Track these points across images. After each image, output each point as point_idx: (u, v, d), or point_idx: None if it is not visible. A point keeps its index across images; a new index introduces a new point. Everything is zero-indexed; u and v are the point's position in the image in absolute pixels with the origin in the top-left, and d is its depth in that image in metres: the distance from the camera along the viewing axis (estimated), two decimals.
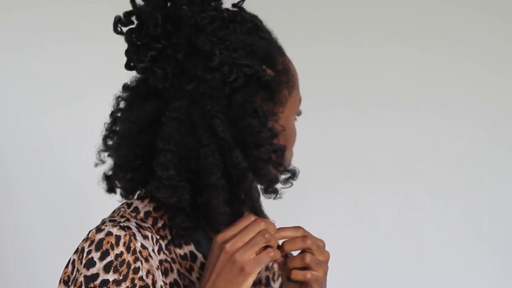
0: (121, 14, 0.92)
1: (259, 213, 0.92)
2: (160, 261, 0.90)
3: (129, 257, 0.84)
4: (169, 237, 0.94)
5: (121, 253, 0.84)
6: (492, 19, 1.80)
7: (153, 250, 0.88)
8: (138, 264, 0.85)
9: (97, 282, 0.83)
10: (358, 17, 1.85)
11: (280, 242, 0.92)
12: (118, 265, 0.83)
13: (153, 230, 0.92)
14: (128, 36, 0.91)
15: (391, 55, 1.83)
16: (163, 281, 0.89)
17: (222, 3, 0.94)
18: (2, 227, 1.63)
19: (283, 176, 0.95)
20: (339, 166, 1.84)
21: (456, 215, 1.82)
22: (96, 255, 0.84)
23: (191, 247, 0.95)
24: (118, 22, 0.92)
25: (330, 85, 1.84)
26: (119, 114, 0.99)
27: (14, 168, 1.64)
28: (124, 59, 0.93)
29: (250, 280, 0.85)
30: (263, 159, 0.90)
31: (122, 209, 0.94)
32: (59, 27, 1.66)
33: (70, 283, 0.85)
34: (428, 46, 1.82)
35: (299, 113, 1.02)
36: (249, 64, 0.90)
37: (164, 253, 0.91)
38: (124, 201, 0.98)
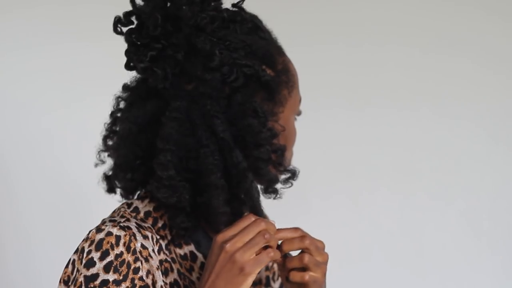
0: (121, 14, 0.92)
1: (259, 213, 0.93)
2: (160, 261, 0.90)
3: (129, 257, 0.84)
4: (169, 237, 0.94)
5: (121, 253, 0.84)
6: (492, 19, 1.80)
7: (153, 250, 0.88)
8: (138, 264, 0.85)
9: (97, 282, 0.83)
10: (358, 17, 1.85)
11: (279, 243, 0.92)
12: (118, 265, 0.83)
13: (153, 230, 0.92)
14: (128, 36, 0.91)
15: (391, 55, 1.83)
16: (163, 281, 0.89)
17: (222, 3, 0.94)
18: (2, 227, 1.63)
19: (283, 176, 0.95)
20: (339, 166, 1.84)
21: (456, 215, 1.82)
22: (96, 255, 0.84)
23: (191, 247, 0.95)
24: (118, 22, 0.92)
25: (330, 85, 1.84)
26: (119, 114, 0.99)
27: (14, 168, 1.64)
28: (124, 59, 0.93)
29: (250, 280, 0.85)
30: (263, 159, 0.90)
31: (122, 209, 0.94)
32: (59, 27, 1.66)
33: (70, 283, 0.85)
34: (428, 46, 1.82)
35: (299, 113, 1.02)
36: (249, 64, 0.90)
37: (164, 253, 0.91)
38: (124, 201, 0.98)
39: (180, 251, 0.94)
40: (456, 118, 1.81)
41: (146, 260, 0.86)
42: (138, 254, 0.85)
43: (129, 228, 0.86)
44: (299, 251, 0.93)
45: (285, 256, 0.93)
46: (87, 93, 1.65)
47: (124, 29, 0.92)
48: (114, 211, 0.96)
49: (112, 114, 1.00)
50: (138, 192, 0.99)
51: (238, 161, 0.89)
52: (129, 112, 0.96)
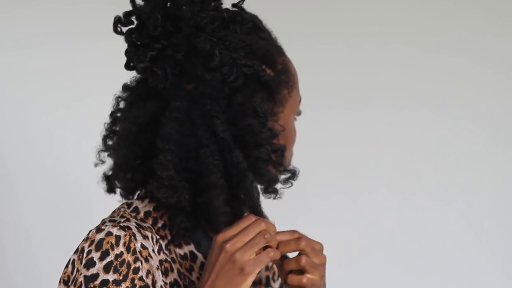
0: (121, 14, 0.92)
1: (259, 213, 0.93)
2: (160, 261, 0.90)
3: (129, 257, 0.84)
4: (169, 237, 0.94)
5: (121, 253, 0.84)
6: (492, 19, 1.80)
7: (153, 250, 0.88)
8: (138, 264, 0.85)
9: (97, 282, 0.83)
10: (358, 17, 1.85)
11: None
12: (118, 265, 0.83)
13: (153, 230, 0.92)
14: (128, 36, 0.91)
15: (391, 55, 1.83)
16: (163, 281, 0.89)
17: (222, 3, 0.94)
18: (2, 227, 1.63)
19: (283, 176, 0.95)
20: (339, 166, 1.84)
21: (456, 215, 1.82)
22: (96, 255, 0.84)
23: (191, 247, 0.95)
24: (118, 22, 0.92)
25: (330, 85, 1.84)
26: (119, 114, 0.99)
27: (14, 168, 1.64)
28: (124, 59, 0.93)
29: (250, 280, 0.85)
30: (263, 159, 0.90)
31: (122, 209, 0.94)
32: (59, 27, 1.66)
33: (70, 283, 0.85)
34: (428, 46, 1.82)
35: (299, 113, 1.02)
36: (249, 64, 0.90)
37: (164, 253, 0.91)
38: (124, 201, 0.98)
39: (180, 251, 0.94)
40: (456, 118, 1.81)
41: (146, 260, 0.86)
42: (138, 254, 0.85)
43: (129, 228, 0.86)
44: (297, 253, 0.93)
45: (283, 258, 0.93)
46: (87, 93, 1.65)
47: (124, 29, 0.92)
48: (114, 211, 0.96)
49: (112, 114, 1.00)
50: (138, 192, 0.99)
51: (238, 161, 0.89)
52: (129, 112, 0.96)
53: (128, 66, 0.94)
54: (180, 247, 0.94)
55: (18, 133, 1.64)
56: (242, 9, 0.96)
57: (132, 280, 0.84)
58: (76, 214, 1.66)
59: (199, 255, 0.95)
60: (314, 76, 1.60)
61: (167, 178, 0.88)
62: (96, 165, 1.02)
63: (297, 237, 0.91)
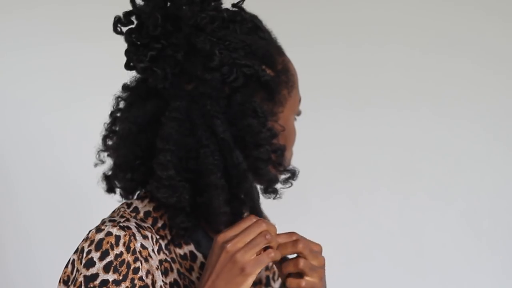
0: (121, 14, 0.92)
1: (259, 214, 0.92)
2: (160, 261, 0.90)
3: (128, 257, 0.84)
4: (169, 237, 0.93)
5: (121, 253, 0.84)
6: (492, 19, 1.80)
7: (153, 250, 0.88)
8: (138, 264, 0.85)
9: (97, 282, 0.83)
10: (358, 17, 1.85)
11: None
12: (117, 265, 0.83)
13: (153, 230, 0.92)
14: (128, 36, 0.91)
15: (391, 55, 1.83)
16: (163, 281, 0.89)
17: (222, 3, 0.94)
18: (2, 227, 1.63)
19: (283, 176, 0.95)
20: (339, 166, 1.84)
21: (456, 215, 1.82)
22: (96, 255, 0.84)
23: (191, 247, 0.95)
24: (118, 22, 0.92)
25: (330, 85, 1.84)
26: (118, 114, 0.99)
27: (14, 168, 1.64)
28: (124, 59, 0.93)
29: (250, 281, 0.85)
30: (262, 159, 0.90)
31: (122, 209, 0.94)
32: (59, 27, 1.66)
33: (70, 283, 0.85)
34: (428, 46, 1.82)
35: (298, 113, 1.02)
36: (249, 64, 0.90)
37: (164, 253, 0.91)
38: (124, 201, 0.98)
39: (180, 251, 0.94)
40: (456, 118, 1.81)
41: (146, 260, 0.86)
42: (138, 254, 0.85)
43: (128, 228, 0.86)
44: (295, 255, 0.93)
45: (282, 261, 0.93)
46: (87, 93, 1.65)
47: (124, 29, 0.92)
48: (114, 211, 0.96)
49: (112, 114, 1.00)
50: (138, 192, 0.99)
51: (238, 161, 0.89)
52: (129, 112, 0.96)
53: (128, 66, 0.94)
54: (180, 247, 0.94)
55: (18, 133, 1.64)
56: (242, 9, 0.96)
57: (132, 280, 0.84)
58: (76, 214, 1.66)
59: (199, 255, 0.95)
60: (314, 76, 1.60)
61: (167, 178, 0.88)
62: (96, 165, 1.02)
63: (295, 239, 0.91)
